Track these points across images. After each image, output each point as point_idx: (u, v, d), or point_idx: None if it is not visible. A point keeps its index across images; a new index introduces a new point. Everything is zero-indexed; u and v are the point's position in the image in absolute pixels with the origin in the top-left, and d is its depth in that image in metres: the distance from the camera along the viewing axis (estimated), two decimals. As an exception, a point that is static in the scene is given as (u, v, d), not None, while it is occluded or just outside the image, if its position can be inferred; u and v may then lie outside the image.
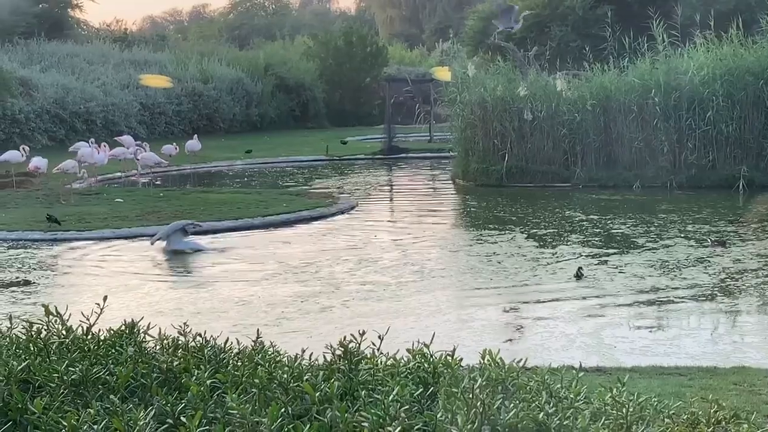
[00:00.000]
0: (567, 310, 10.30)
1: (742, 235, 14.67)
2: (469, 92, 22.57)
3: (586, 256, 13.15)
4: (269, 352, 3.39)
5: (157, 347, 3.48)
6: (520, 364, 3.15)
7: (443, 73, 23.39)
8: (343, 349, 3.21)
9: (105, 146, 23.36)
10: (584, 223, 16.32)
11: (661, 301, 10.65)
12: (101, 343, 3.47)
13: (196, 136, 28.05)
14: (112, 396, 2.91)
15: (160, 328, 3.66)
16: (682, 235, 14.76)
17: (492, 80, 22.56)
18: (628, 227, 15.69)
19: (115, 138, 24.95)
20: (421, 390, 2.97)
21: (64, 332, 3.47)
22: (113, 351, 3.38)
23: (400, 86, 37.63)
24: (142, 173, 24.27)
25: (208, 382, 2.98)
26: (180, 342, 3.51)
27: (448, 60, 30.35)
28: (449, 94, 23.73)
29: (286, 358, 3.31)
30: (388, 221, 18.52)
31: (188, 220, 14.80)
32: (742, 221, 15.86)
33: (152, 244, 14.20)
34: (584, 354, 8.59)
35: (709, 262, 12.61)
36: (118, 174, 24.59)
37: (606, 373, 7.48)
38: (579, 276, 11.69)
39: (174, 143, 26.71)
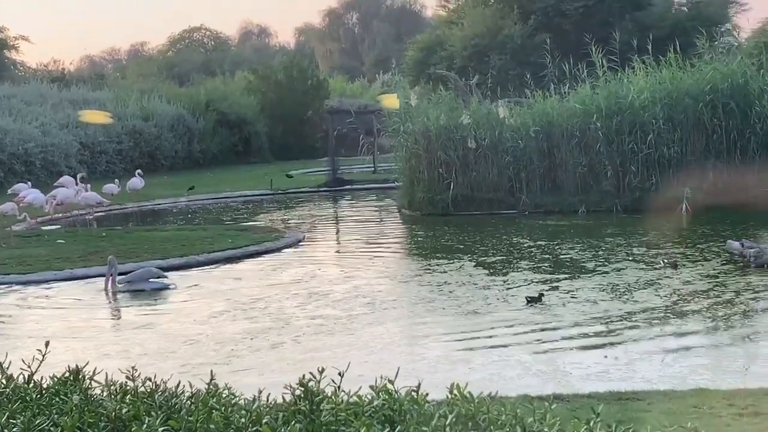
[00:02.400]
0: (521, 337, 10.22)
1: (689, 256, 14.75)
2: (413, 122, 22.57)
3: (537, 282, 13.10)
4: (224, 395, 3.22)
5: (105, 394, 3.30)
6: (490, 396, 3.01)
7: (391, 101, 23.37)
8: (302, 389, 3.05)
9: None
10: (533, 249, 16.32)
11: (615, 325, 10.61)
12: (44, 391, 3.29)
13: (137, 173, 27.68)
14: (57, 449, 2.72)
15: (106, 373, 3.49)
16: (630, 258, 14.81)
17: (435, 109, 22.58)
18: (577, 252, 15.71)
19: (55, 184, 24.59)
20: (387, 429, 2.82)
21: (3, 381, 3.27)
22: (57, 400, 3.20)
23: (343, 118, 37.67)
24: (86, 212, 23.87)
25: (161, 429, 2.80)
26: (128, 387, 3.34)
27: (389, 91, 30.41)
28: (392, 125, 23.71)
29: (242, 400, 3.14)
30: (336, 253, 18.36)
31: (157, 269, 14.46)
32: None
33: (119, 284, 13.86)
34: (541, 381, 8.52)
35: (660, 284, 12.64)
36: (59, 215, 24.11)
37: (564, 400, 7.38)
38: (533, 300, 11.63)
39: (116, 181, 26.32)
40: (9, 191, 23.97)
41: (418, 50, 43.96)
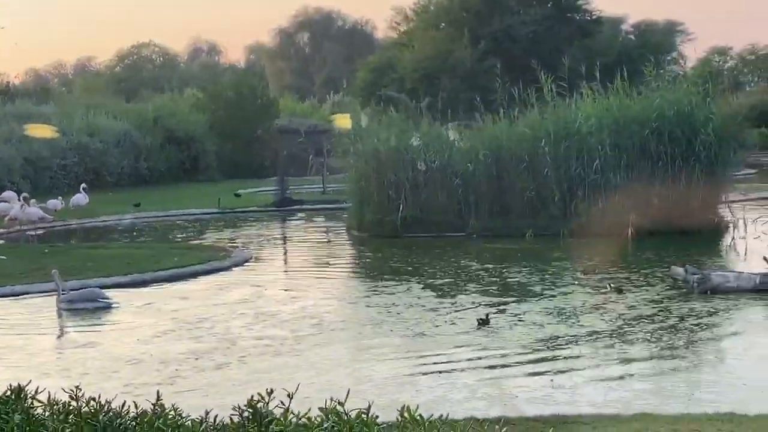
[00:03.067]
0: (468, 360, 10.22)
1: (634, 281, 14.87)
2: (363, 143, 22.55)
3: (485, 305, 13.11)
4: (170, 416, 3.15)
5: (47, 414, 3.21)
6: (440, 419, 2.98)
7: (343, 121, 23.38)
8: (251, 410, 3.00)
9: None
10: (481, 272, 16.35)
11: (561, 348, 10.65)
12: (-16, 411, 3.18)
13: (82, 187, 27.26)
14: (-4, 471, 2.63)
15: (49, 393, 3.40)
16: (577, 283, 14.90)
17: (385, 131, 22.59)
18: (524, 275, 15.78)
19: None
20: (337, 452, 2.78)
21: (-59, 401, 3.17)
22: (-3, 420, 3.10)
23: (293, 138, 37.54)
24: (28, 228, 23.48)
25: (105, 451, 2.73)
26: (72, 407, 3.25)
27: (340, 111, 30.47)
28: (342, 146, 23.67)
29: (189, 422, 3.08)
30: (284, 273, 18.24)
31: (99, 290, 14.17)
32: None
33: (62, 303, 13.58)
34: (487, 404, 8.54)
35: (605, 308, 12.72)
36: (1, 230, 23.70)
37: (511, 423, 7.37)
38: (482, 323, 11.64)
39: (59, 197, 25.93)
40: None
41: (369, 71, 44.14)
